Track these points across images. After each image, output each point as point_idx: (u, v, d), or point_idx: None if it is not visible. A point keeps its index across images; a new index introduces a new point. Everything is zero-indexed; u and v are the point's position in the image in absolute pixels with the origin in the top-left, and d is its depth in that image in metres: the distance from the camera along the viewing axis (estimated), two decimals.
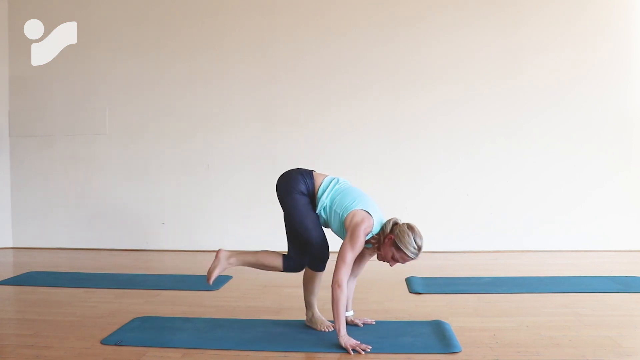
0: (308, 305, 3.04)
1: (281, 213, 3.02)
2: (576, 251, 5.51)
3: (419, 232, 2.74)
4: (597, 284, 4.04)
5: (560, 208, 5.59)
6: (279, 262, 2.97)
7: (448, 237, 5.64)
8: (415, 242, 2.70)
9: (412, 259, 2.73)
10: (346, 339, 2.65)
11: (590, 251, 5.49)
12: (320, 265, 2.96)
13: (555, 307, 3.42)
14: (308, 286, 3.03)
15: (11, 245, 6.14)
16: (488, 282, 4.17)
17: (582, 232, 5.57)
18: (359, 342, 2.65)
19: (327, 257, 2.95)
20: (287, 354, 2.63)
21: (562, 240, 5.58)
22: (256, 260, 3.00)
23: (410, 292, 3.91)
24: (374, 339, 2.79)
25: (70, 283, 4.25)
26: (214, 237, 5.82)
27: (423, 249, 2.74)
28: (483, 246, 5.61)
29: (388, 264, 2.81)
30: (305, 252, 2.95)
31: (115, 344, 2.76)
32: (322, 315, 3.03)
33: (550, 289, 3.91)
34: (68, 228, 6.05)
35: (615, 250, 5.49)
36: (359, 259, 2.96)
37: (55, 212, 6.07)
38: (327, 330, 2.94)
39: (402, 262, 2.77)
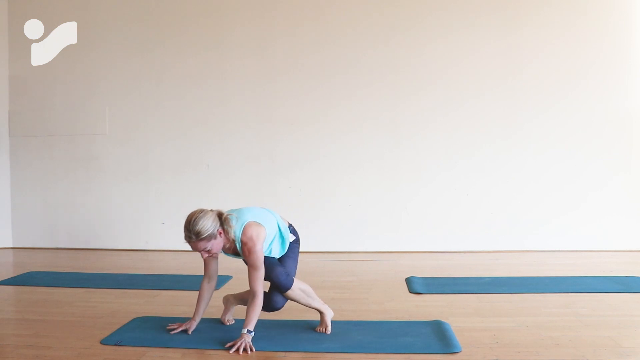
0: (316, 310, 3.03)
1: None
2: (576, 251, 5.51)
3: (189, 217, 2.69)
4: (597, 284, 4.04)
5: (560, 208, 5.58)
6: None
7: (448, 237, 5.65)
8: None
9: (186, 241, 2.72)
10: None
11: (590, 251, 5.49)
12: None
13: (555, 307, 3.42)
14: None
15: (11, 245, 6.14)
16: (488, 282, 4.17)
17: (582, 232, 5.57)
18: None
19: (279, 281, 2.85)
20: (287, 354, 2.63)
21: (562, 241, 5.57)
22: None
23: (410, 292, 3.91)
24: (374, 339, 2.80)
25: (70, 283, 4.25)
26: None
27: (187, 230, 2.66)
28: (483, 246, 5.61)
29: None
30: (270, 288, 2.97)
31: (115, 344, 2.76)
32: (328, 320, 2.96)
33: (550, 289, 3.90)
34: (68, 228, 6.05)
35: (615, 250, 5.49)
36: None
37: (55, 212, 6.07)
38: (320, 331, 2.93)
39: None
